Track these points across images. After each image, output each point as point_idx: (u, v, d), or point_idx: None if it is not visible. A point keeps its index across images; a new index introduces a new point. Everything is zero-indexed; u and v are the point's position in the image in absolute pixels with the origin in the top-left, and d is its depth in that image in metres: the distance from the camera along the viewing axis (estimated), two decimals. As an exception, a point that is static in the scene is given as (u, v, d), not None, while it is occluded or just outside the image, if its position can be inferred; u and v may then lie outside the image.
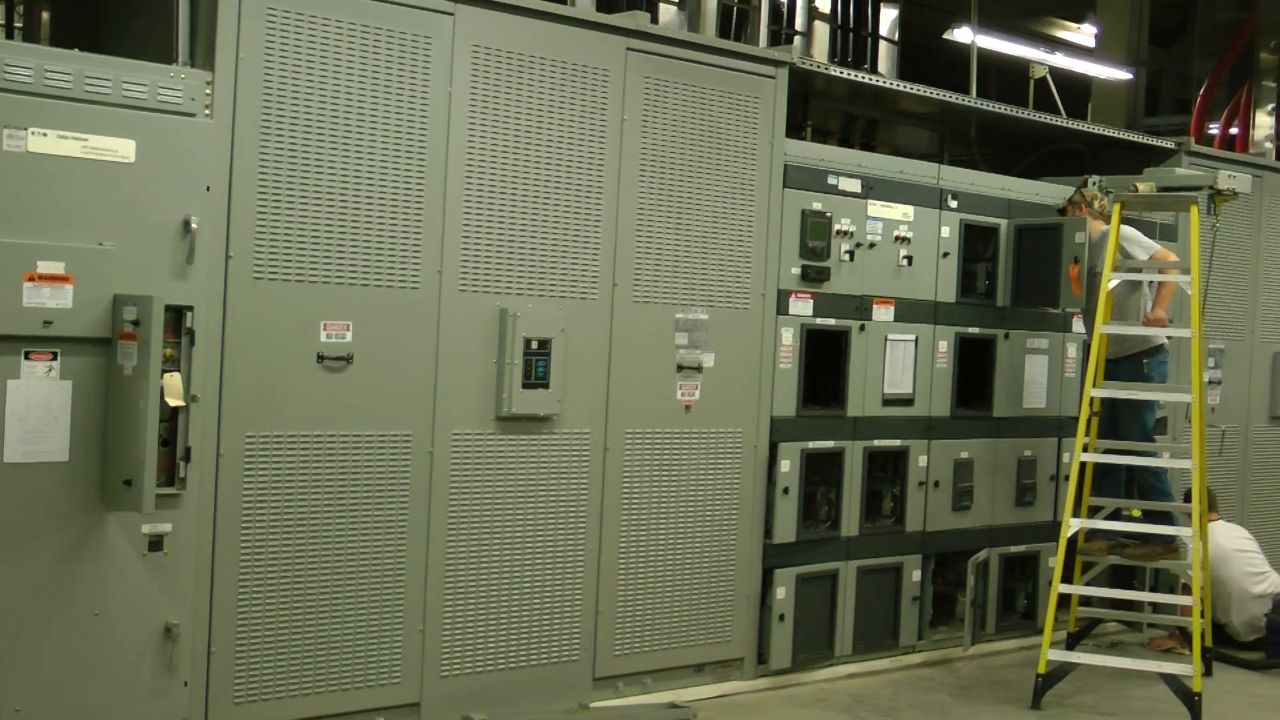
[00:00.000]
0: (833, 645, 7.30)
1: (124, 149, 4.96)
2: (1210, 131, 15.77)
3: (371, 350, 5.65)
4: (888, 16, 12.84)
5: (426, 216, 5.78)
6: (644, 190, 6.48)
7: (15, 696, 4.84)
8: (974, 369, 7.97)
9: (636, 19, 6.50)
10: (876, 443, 7.44)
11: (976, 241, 7.92)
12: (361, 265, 5.61)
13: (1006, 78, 14.67)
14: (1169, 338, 7.85)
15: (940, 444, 7.74)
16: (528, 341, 6.05)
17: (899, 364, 7.53)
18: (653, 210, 6.51)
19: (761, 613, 7.00)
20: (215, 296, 5.24)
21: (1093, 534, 7.67)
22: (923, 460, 7.66)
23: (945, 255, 7.72)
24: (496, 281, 6.01)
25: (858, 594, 7.38)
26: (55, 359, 4.85)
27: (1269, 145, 14.53)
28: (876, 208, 7.38)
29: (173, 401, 4.96)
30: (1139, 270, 7.60)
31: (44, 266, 4.79)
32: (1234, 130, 15.42)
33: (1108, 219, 7.58)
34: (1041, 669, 7.01)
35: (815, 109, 8.02)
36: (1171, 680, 6.93)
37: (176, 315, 5.05)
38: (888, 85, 7.99)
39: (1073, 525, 7.18)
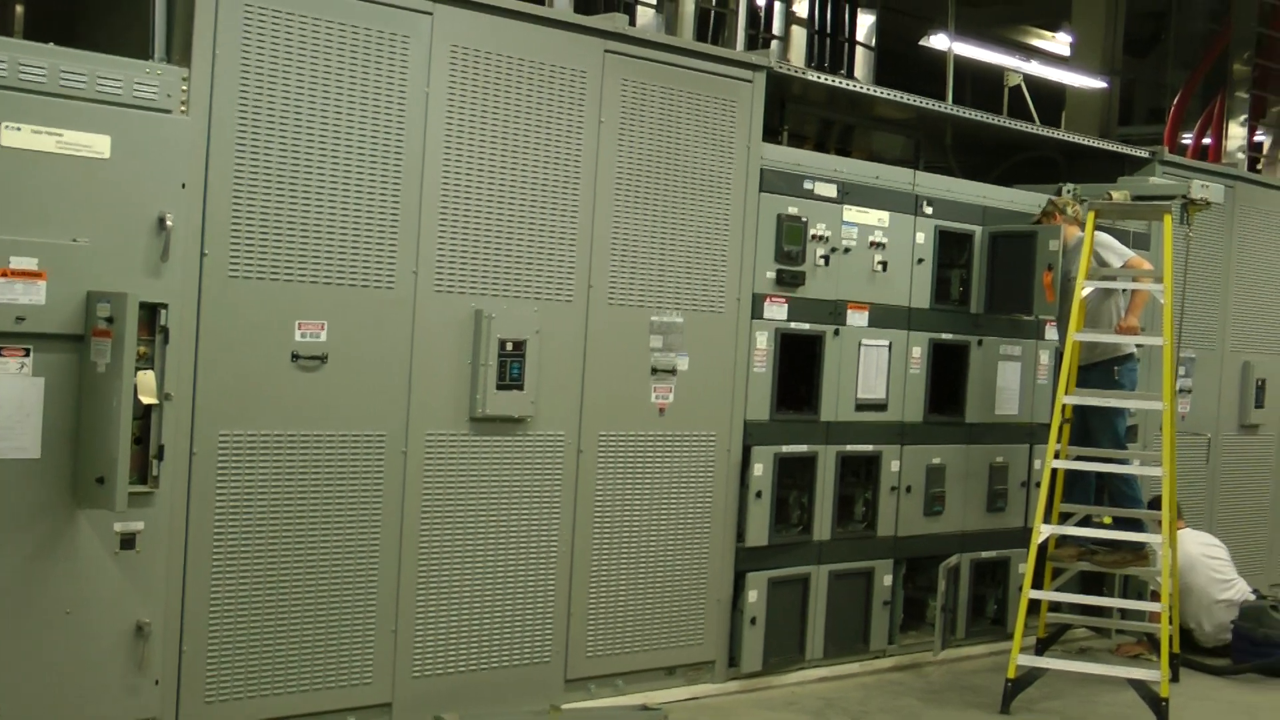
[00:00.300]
0: (804, 649, 7.31)
1: (99, 144, 4.93)
2: (1184, 141, 15.88)
3: (346, 350, 5.64)
4: (864, 23, 12.94)
5: (403, 216, 5.77)
6: (620, 192, 6.48)
7: (-16, 694, 4.81)
8: (947, 375, 7.99)
9: (614, 21, 6.50)
10: (849, 447, 7.46)
11: (951, 248, 7.95)
12: (337, 265, 5.60)
13: (982, 85, 14.72)
14: (1140, 345, 7.90)
15: (913, 449, 7.77)
16: (502, 343, 6.04)
17: (872, 369, 7.55)
18: (629, 213, 6.52)
19: (733, 616, 7.01)
20: (190, 294, 5.21)
21: (1063, 540, 7.73)
22: (895, 465, 7.68)
23: (920, 261, 7.74)
24: (472, 282, 6.00)
25: (829, 598, 7.39)
26: (28, 355, 4.82)
27: (1241, 156, 14.64)
28: (852, 213, 7.40)
29: (146, 399, 4.94)
30: (1113, 278, 7.65)
31: (17, 262, 4.75)
32: (1207, 140, 15.53)
33: (1082, 225, 7.63)
34: (1011, 674, 7.04)
35: (792, 113, 8.02)
36: (1139, 685, 6.98)
37: (151, 312, 5.02)
38: (864, 91, 8.01)
39: (1044, 531, 7.22)
